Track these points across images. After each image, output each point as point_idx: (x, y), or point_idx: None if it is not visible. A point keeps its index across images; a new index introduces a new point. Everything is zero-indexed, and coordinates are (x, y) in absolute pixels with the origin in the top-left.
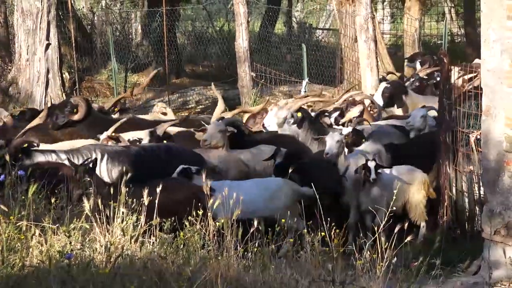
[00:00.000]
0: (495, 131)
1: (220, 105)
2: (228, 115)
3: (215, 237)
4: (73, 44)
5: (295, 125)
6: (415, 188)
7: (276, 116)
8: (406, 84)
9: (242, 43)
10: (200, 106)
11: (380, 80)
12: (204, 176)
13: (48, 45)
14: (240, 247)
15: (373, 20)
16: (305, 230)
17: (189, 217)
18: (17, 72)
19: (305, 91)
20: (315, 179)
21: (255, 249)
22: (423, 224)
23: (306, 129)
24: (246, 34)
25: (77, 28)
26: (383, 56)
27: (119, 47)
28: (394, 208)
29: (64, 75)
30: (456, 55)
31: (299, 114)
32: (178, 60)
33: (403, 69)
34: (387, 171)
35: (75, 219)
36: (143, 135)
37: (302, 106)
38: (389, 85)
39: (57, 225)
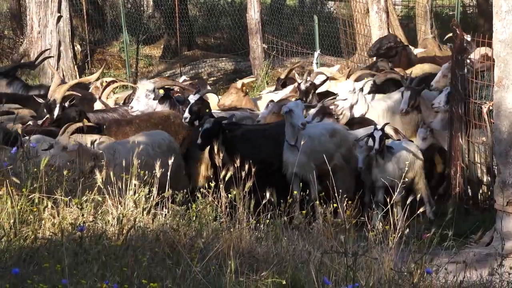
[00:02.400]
0: (508, 102)
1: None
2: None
3: (227, 209)
4: (85, 16)
5: (156, 100)
6: (420, 162)
7: (143, 87)
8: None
9: (253, 14)
10: (212, 78)
11: None
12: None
13: (59, 18)
14: (252, 218)
15: None
16: (317, 202)
17: (202, 189)
18: (29, 45)
19: (317, 63)
20: (242, 150)
21: (268, 220)
22: (427, 199)
23: (167, 107)
24: (258, 5)
25: (88, 0)
26: (395, 28)
27: (130, 19)
28: (407, 179)
29: (75, 48)
30: (468, 26)
31: (162, 91)
32: (190, 32)
33: (415, 40)
34: (399, 143)
35: (87, 191)
36: None
37: (167, 86)
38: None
39: (69, 197)
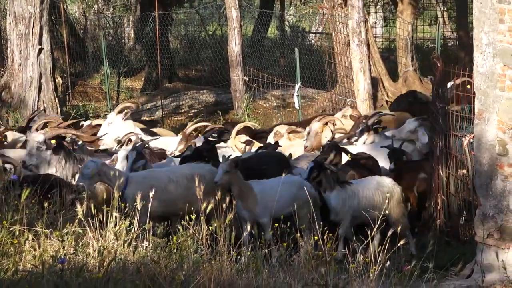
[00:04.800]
0: (488, 135)
1: None
2: None
3: (208, 241)
4: (66, 49)
5: (49, 151)
6: (395, 202)
7: (33, 140)
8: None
9: (234, 47)
10: (193, 111)
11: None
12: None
13: (40, 50)
14: (233, 251)
15: (366, 24)
16: (298, 234)
17: (182, 222)
18: (10, 77)
19: (298, 95)
20: None
21: (248, 253)
22: (407, 233)
23: (62, 157)
24: (239, 38)
25: (69, 33)
26: (376, 60)
27: (111, 52)
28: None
29: (56, 80)
30: (448, 58)
31: (54, 141)
32: (171, 65)
33: (396, 73)
34: (361, 180)
35: (68, 224)
36: None
37: (61, 135)
38: None
39: (50, 229)
